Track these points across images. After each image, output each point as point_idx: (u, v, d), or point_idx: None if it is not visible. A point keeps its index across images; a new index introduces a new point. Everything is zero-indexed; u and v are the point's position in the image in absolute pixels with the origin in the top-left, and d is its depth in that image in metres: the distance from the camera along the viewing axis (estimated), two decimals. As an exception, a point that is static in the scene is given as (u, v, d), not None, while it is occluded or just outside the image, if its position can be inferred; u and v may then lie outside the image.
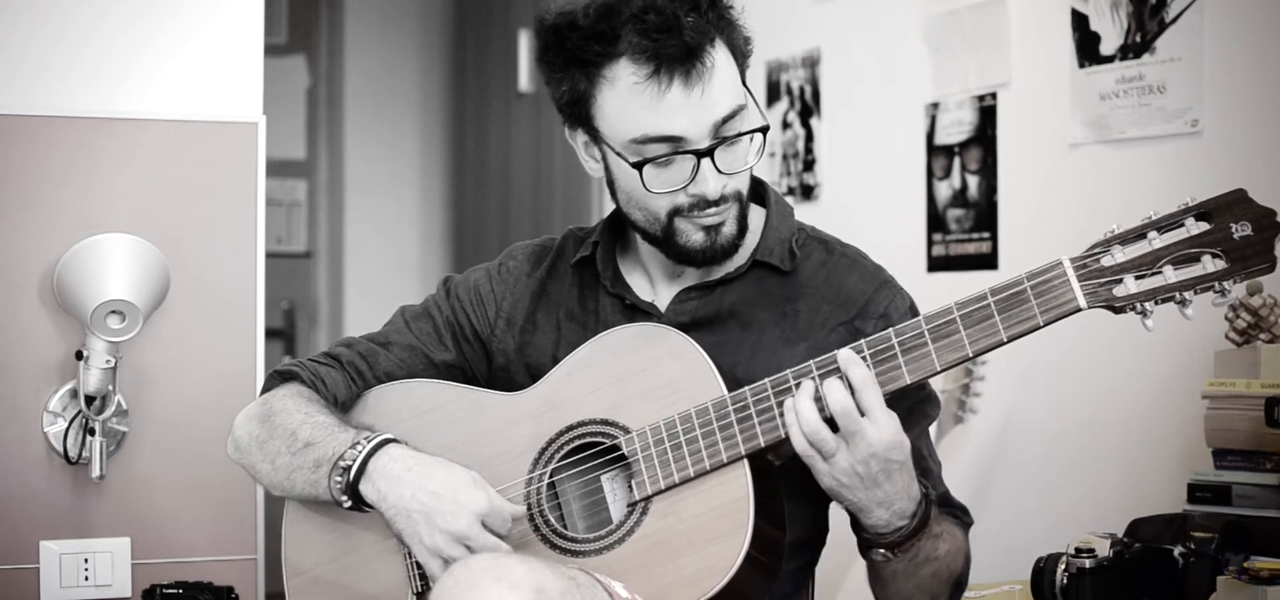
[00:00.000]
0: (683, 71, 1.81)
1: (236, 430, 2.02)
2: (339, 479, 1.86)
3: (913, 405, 1.91)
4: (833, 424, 1.74)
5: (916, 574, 1.85)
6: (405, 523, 1.82)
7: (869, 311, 1.92)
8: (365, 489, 1.85)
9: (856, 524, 1.82)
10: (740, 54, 1.89)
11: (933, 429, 2.02)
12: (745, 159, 1.89)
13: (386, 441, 1.87)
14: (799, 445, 1.75)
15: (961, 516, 1.97)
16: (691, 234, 1.90)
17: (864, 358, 1.76)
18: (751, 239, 1.98)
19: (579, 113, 1.90)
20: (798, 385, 1.77)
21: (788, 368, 1.79)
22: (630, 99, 1.83)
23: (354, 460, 1.85)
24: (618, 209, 1.99)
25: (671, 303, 1.97)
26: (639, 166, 1.85)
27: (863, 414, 1.73)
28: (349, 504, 1.86)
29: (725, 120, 1.84)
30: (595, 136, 1.90)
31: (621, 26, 1.82)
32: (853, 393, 1.74)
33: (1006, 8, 3.14)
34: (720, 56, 1.84)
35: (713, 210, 1.87)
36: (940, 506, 1.93)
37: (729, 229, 1.90)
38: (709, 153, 1.84)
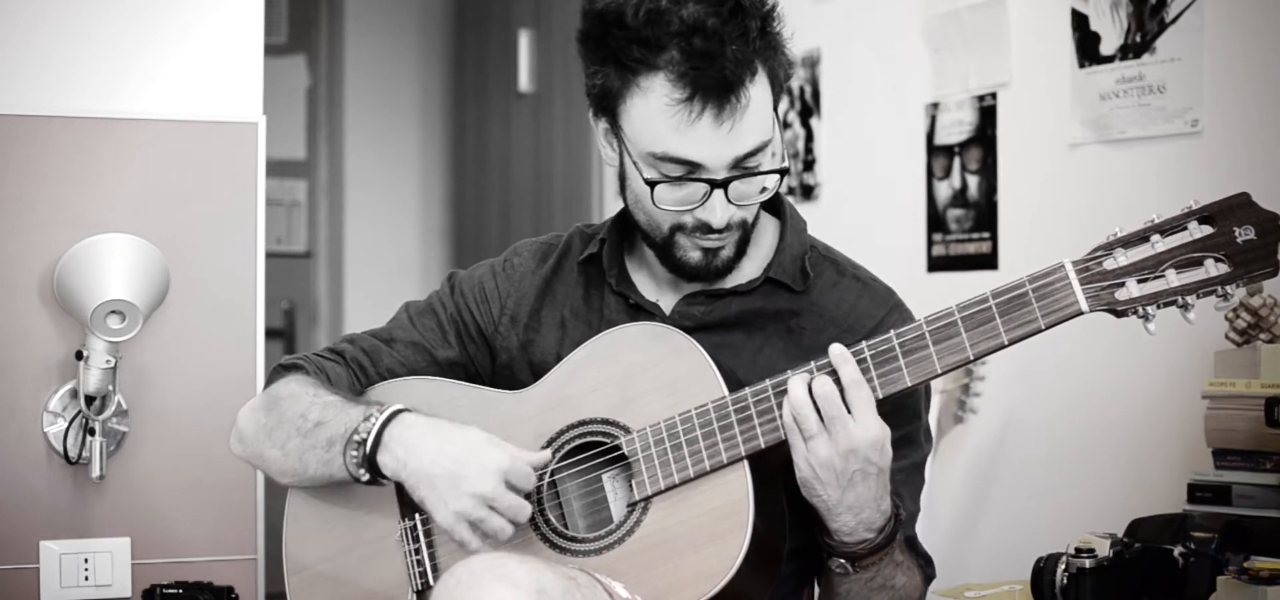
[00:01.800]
0: (717, 103, 1.79)
1: (241, 423, 2.01)
2: (355, 453, 1.84)
3: (900, 437, 1.89)
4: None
5: (871, 598, 1.85)
6: (428, 490, 1.80)
7: (877, 335, 1.90)
8: (383, 459, 1.83)
9: (822, 528, 1.81)
10: (778, 82, 1.86)
11: (928, 468, 2.01)
12: (758, 192, 1.88)
13: (399, 410, 1.86)
14: (784, 416, 1.75)
15: (924, 565, 1.96)
16: (689, 252, 1.90)
17: (863, 359, 1.76)
18: (765, 254, 1.98)
19: (606, 105, 1.89)
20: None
21: (788, 374, 1.79)
22: (659, 116, 1.81)
23: (369, 432, 1.83)
24: (626, 208, 1.99)
25: (677, 305, 1.97)
26: (652, 184, 1.84)
27: (849, 411, 1.73)
28: (367, 478, 1.85)
29: (748, 155, 1.83)
30: (617, 131, 1.90)
31: (667, 39, 1.80)
32: (842, 391, 1.74)
33: (1006, 8, 3.13)
34: (757, 90, 1.81)
35: (714, 236, 1.87)
36: (906, 547, 1.92)
37: (727, 253, 1.90)
38: (724, 184, 1.83)
